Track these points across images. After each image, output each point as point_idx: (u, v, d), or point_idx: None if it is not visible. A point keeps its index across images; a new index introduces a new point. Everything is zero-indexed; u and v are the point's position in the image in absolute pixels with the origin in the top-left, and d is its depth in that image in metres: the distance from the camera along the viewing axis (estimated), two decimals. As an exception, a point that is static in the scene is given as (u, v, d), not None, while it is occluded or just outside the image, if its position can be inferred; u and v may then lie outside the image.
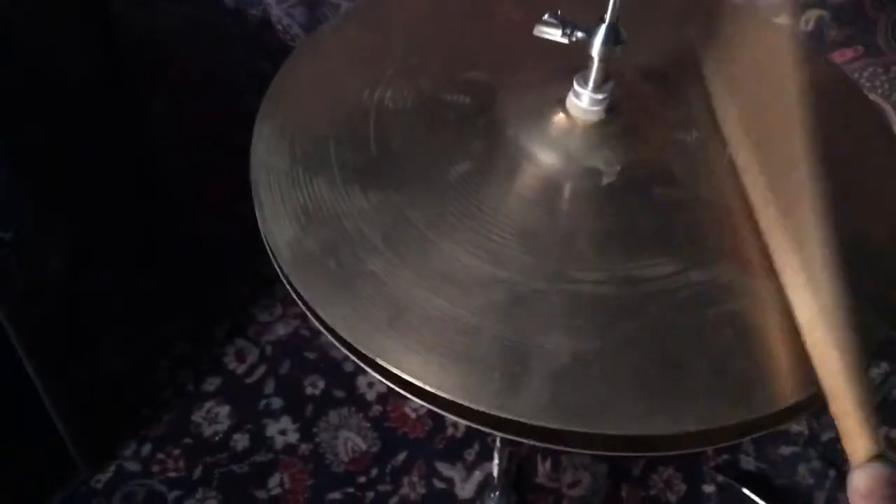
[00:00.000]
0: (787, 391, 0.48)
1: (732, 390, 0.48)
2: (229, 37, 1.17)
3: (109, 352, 1.15)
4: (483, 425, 0.49)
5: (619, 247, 0.54)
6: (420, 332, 0.50)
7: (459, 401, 0.48)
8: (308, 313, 0.52)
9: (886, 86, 1.01)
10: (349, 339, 0.50)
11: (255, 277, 1.21)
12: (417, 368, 0.49)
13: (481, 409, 0.48)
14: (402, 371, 0.49)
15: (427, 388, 0.48)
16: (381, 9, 0.68)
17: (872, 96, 1.01)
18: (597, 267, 0.52)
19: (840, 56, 1.00)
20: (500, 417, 0.47)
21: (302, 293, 0.52)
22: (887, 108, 1.02)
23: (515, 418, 0.47)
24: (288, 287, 0.53)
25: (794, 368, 0.49)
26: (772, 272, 0.51)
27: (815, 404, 0.49)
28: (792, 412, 0.49)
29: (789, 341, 0.50)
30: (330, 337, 0.51)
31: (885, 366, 1.13)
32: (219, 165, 1.24)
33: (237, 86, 1.21)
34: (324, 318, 0.51)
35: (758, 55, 0.55)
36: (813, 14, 0.99)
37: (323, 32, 0.68)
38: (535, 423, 0.47)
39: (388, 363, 0.49)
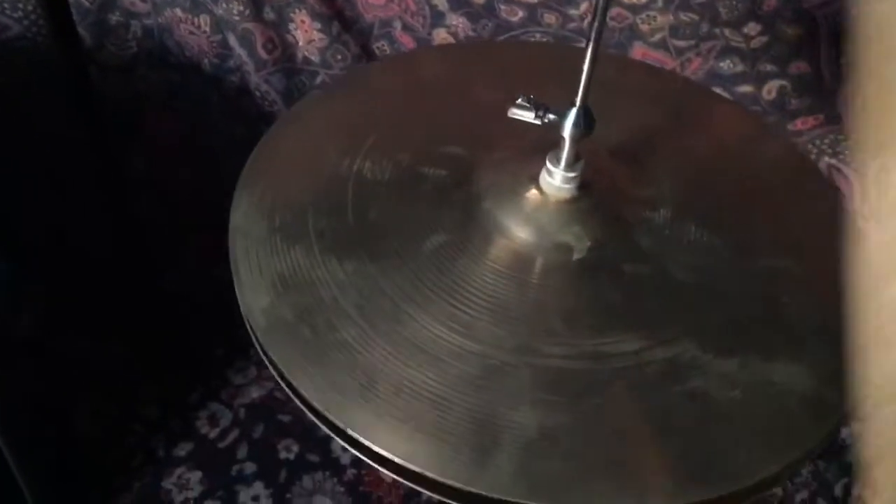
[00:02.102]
0: (751, 468, 0.49)
1: (698, 467, 0.49)
2: (207, 102, 1.19)
3: (80, 416, 1.13)
4: (452, 499, 0.49)
5: (587, 322, 0.55)
6: (391, 402, 0.51)
7: (428, 474, 0.48)
8: (280, 381, 0.52)
9: (847, 152, 1.05)
10: (320, 409, 0.50)
11: (230, 339, 1.21)
12: (387, 440, 0.49)
13: (449, 482, 0.48)
14: (372, 442, 0.49)
15: (396, 459, 0.49)
16: (360, 83, 0.70)
17: (833, 161, 1.05)
18: (566, 341, 0.54)
19: (802, 124, 1.04)
20: (468, 492, 0.48)
21: (275, 361, 0.53)
22: (848, 171, 1.06)
23: (483, 493, 0.48)
24: (262, 354, 0.53)
25: (756, 445, 0.50)
26: (733, 350, 0.53)
27: (780, 480, 0.50)
28: (756, 488, 0.50)
29: (752, 418, 0.51)
30: (302, 406, 0.51)
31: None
32: (194, 229, 1.24)
33: (214, 150, 1.22)
34: (296, 386, 0.51)
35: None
36: (774, 84, 1.03)
37: (304, 103, 0.70)
38: (502, 497, 0.48)
39: (359, 434, 0.49)
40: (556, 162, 0.57)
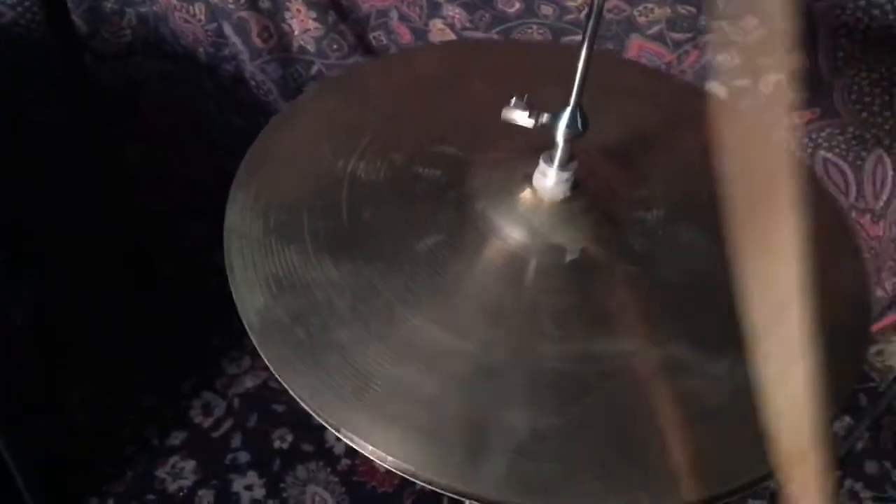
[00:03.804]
0: (740, 469, 0.50)
1: (687, 469, 0.50)
2: (202, 91, 1.18)
3: (75, 405, 1.13)
4: (446, 491, 0.50)
5: (579, 323, 0.55)
6: (385, 403, 0.51)
7: (420, 474, 0.49)
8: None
9: (843, 146, 1.05)
10: (314, 409, 0.51)
11: (224, 329, 1.22)
12: (380, 440, 0.50)
13: (441, 482, 0.49)
14: (366, 442, 0.50)
15: (389, 459, 0.49)
16: (357, 81, 0.70)
17: (829, 155, 1.05)
18: (558, 343, 0.54)
19: (798, 117, 1.04)
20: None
21: (270, 362, 0.53)
22: (844, 165, 1.06)
23: (474, 493, 0.48)
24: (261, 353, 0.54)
25: (745, 447, 0.50)
26: (724, 351, 0.53)
27: (769, 479, 0.51)
28: (745, 489, 0.51)
29: (742, 420, 0.51)
30: (301, 403, 0.52)
31: (848, 419, 1.14)
32: (189, 218, 1.24)
33: (209, 138, 1.22)
34: (290, 387, 0.52)
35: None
36: (772, 78, 1.02)
37: (300, 102, 0.70)
38: (493, 498, 0.48)
39: (352, 434, 0.50)
40: (550, 162, 0.58)
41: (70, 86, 1.12)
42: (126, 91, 1.18)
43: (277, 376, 0.52)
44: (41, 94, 1.14)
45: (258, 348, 0.53)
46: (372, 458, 0.50)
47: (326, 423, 0.50)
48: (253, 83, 1.13)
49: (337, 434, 0.51)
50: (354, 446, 0.50)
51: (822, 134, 1.05)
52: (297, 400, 0.52)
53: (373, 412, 0.51)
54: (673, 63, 1.04)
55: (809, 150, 1.06)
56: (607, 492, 0.49)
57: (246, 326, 0.54)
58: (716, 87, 1.03)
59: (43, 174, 1.19)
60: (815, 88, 1.03)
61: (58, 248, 1.21)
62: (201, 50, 1.13)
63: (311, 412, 0.51)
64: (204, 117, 1.19)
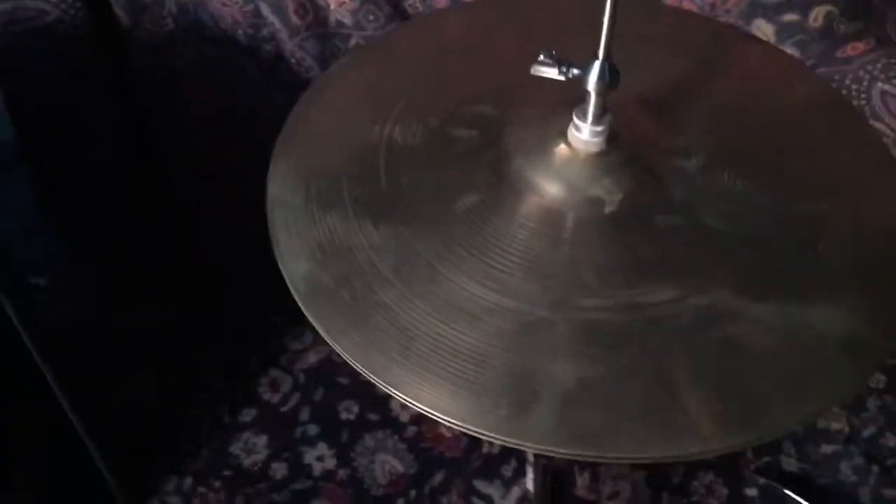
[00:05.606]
0: (789, 411, 0.49)
1: (736, 412, 0.50)
2: (244, 72, 1.20)
3: (146, 388, 1.17)
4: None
5: (621, 274, 0.55)
6: (431, 360, 0.52)
7: (469, 428, 0.50)
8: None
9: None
10: (363, 369, 0.52)
11: (285, 307, 1.23)
12: (428, 397, 0.51)
13: (490, 435, 0.50)
14: (415, 399, 0.51)
15: (438, 415, 0.50)
16: (389, 47, 0.71)
17: (887, 87, 1.00)
18: (600, 294, 0.54)
19: (852, 50, 1.00)
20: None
21: (317, 325, 0.54)
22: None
23: (523, 444, 0.49)
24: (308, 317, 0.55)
25: (794, 389, 0.50)
26: (768, 297, 0.52)
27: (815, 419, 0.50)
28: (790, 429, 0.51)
29: (788, 363, 0.51)
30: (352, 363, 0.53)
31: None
32: (244, 199, 1.26)
33: (254, 120, 1.23)
34: (338, 348, 0.53)
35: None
36: (821, 10, 0.98)
37: (334, 71, 0.71)
38: (542, 447, 0.49)
39: (401, 392, 0.51)
40: (583, 116, 0.57)
41: (115, 79, 1.15)
42: (170, 78, 1.21)
43: (325, 338, 0.54)
44: (87, 90, 1.18)
45: (305, 313, 0.55)
46: (415, 408, 0.51)
47: (375, 381, 0.52)
48: (293, 61, 1.15)
49: (387, 391, 0.52)
50: (402, 400, 0.51)
51: (878, 65, 1.01)
52: (345, 358, 0.53)
53: (420, 369, 0.52)
54: (717, 3, 1.01)
55: (865, 83, 1.01)
56: (656, 437, 0.49)
57: (292, 292, 0.56)
58: (762, 25, 1.00)
59: (95, 168, 1.22)
60: (868, 18, 0.99)
61: (116, 238, 1.24)
62: (240, 32, 1.15)
63: (360, 371, 0.53)
64: (247, 98, 1.21)
